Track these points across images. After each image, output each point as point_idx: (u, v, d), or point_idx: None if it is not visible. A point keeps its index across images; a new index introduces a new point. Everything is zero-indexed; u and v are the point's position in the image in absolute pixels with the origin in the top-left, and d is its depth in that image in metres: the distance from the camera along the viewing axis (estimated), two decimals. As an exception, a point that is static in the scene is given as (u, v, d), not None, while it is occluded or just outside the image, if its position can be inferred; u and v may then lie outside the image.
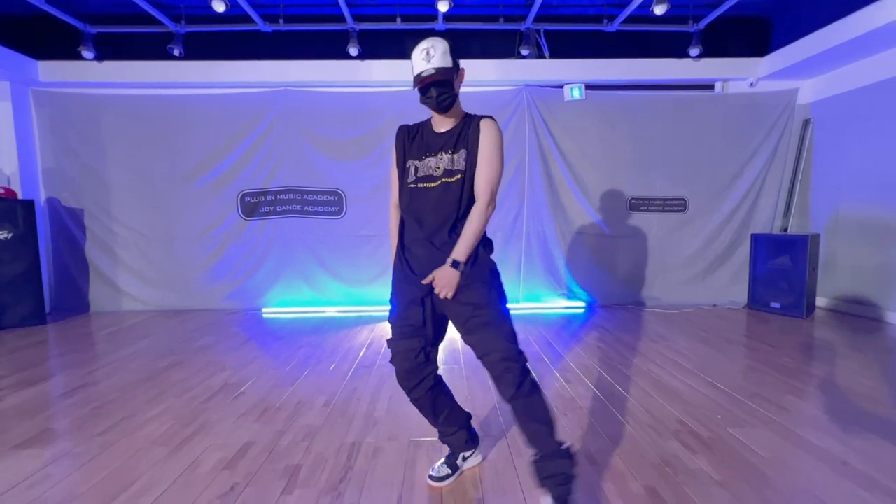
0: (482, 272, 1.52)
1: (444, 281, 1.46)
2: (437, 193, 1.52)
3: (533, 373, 1.51)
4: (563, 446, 1.47)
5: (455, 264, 1.46)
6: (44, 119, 4.59)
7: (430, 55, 1.44)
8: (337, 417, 2.24)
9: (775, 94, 4.70)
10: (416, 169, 1.57)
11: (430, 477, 1.68)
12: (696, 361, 3.03)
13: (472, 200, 1.52)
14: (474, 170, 1.51)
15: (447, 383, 1.70)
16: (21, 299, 4.10)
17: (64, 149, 4.61)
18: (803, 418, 2.16)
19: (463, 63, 1.63)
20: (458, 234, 1.50)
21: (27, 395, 2.54)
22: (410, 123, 1.66)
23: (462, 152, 1.51)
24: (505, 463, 1.82)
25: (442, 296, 1.48)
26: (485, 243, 1.57)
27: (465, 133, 1.52)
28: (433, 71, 1.43)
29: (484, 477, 1.73)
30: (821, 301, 4.55)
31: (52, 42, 4.39)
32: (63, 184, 4.65)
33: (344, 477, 1.72)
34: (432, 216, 1.53)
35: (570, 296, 4.82)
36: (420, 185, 1.55)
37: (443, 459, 1.74)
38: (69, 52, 4.32)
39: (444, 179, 1.52)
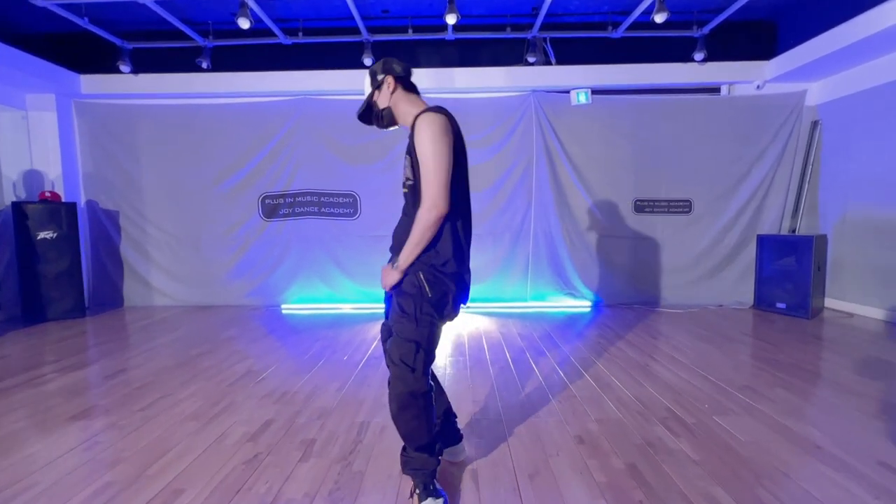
0: (409, 287, 1.47)
1: (383, 276, 1.54)
2: (406, 198, 1.54)
3: (425, 402, 1.48)
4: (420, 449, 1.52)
5: (394, 264, 1.49)
6: (84, 128, 4.98)
7: (366, 86, 1.62)
8: (349, 400, 2.45)
9: (783, 95, 4.74)
10: (404, 171, 1.57)
11: None
12: (692, 356, 3.13)
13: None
14: (419, 177, 1.43)
15: (450, 376, 1.87)
16: (64, 294, 4.46)
17: (102, 155, 4.99)
18: (787, 408, 2.27)
19: (472, 70, 1.75)
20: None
21: (75, 378, 2.83)
22: None
23: (408, 157, 1.48)
24: (499, 439, 1.99)
25: (383, 287, 1.58)
26: (435, 259, 1.45)
27: (411, 135, 1.46)
28: (360, 109, 1.62)
29: (479, 451, 1.90)
30: (829, 302, 4.56)
31: (93, 57, 4.77)
32: (101, 188, 5.02)
33: (353, 450, 1.92)
34: (402, 221, 1.56)
35: (577, 295, 4.94)
36: (402, 190, 1.58)
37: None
38: (108, 67, 4.68)
39: (405, 187, 1.53)
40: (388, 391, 1.50)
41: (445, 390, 1.85)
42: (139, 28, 4.56)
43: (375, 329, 4.07)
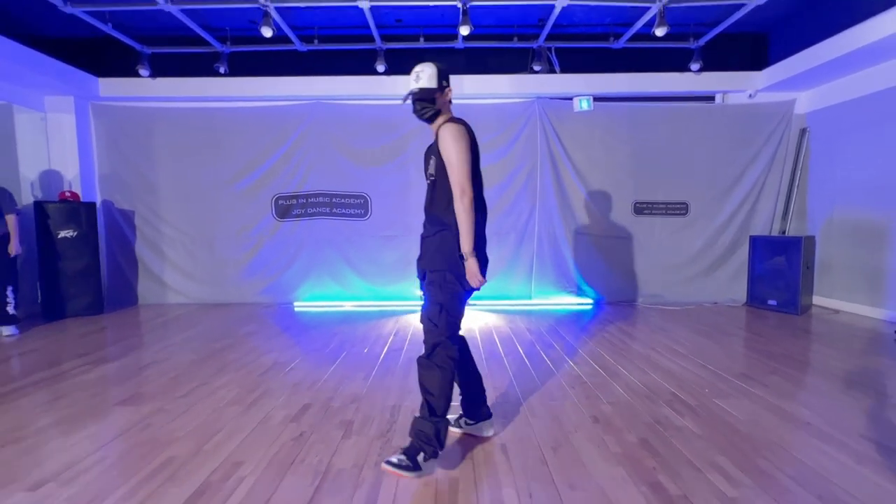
0: (437, 262, 1.80)
1: (467, 275, 1.77)
2: (429, 190, 1.88)
3: (448, 354, 1.74)
4: (436, 420, 1.72)
5: (466, 257, 1.77)
6: (101, 130, 5.10)
7: (418, 78, 1.81)
8: (377, 387, 2.62)
9: (773, 104, 5.01)
10: (426, 168, 1.95)
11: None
12: (691, 348, 3.35)
13: (442, 201, 1.80)
14: (441, 174, 1.78)
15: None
16: (83, 291, 4.58)
17: (119, 156, 5.11)
18: (780, 392, 2.49)
19: (479, 77, 2.02)
20: (434, 226, 1.82)
21: (111, 369, 2.97)
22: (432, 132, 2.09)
23: (434, 158, 1.82)
24: (522, 420, 2.18)
25: (476, 288, 1.83)
26: (453, 243, 1.77)
27: (437, 140, 1.80)
28: (417, 90, 1.81)
29: (505, 430, 2.09)
30: (817, 299, 4.82)
31: (112, 61, 4.90)
32: (117, 188, 5.15)
33: (390, 429, 2.10)
34: (426, 211, 1.90)
35: (579, 293, 5.16)
36: (427, 180, 1.93)
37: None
38: (127, 70, 4.82)
39: (429, 180, 1.87)
40: (416, 370, 1.82)
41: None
42: (159, 33, 4.71)
43: (389, 324, 4.24)
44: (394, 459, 1.67)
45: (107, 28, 4.27)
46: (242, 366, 3.03)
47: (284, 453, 1.88)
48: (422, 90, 1.84)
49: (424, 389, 1.76)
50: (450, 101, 1.94)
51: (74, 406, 2.37)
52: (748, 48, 5.01)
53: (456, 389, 1.91)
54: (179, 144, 5.10)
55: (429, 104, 1.85)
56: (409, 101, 1.91)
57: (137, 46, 4.67)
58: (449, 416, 1.96)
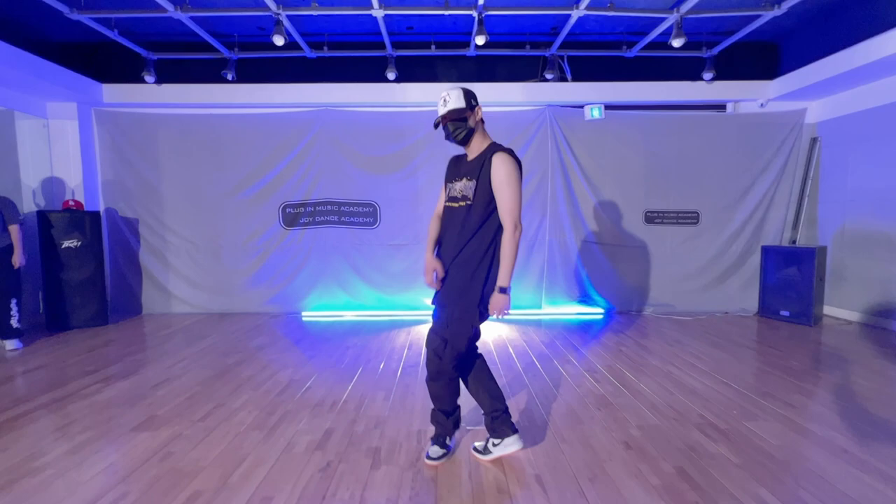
0: (455, 290, 1.84)
1: (494, 305, 1.81)
2: (458, 214, 1.84)
3: (451, 376, 1.91)
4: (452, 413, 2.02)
5: (502, 290, 1.78)
6: (105, 136, 5.00)
7: (445, 102, 1.84)
8: (399, 409, 2.57)
9: (784, 114, 5.00)
10: (450, 190, 1.92)
11: (428, 457, 2.00)
12: (710, 364, 3.33)
13: (475, 226, 1.80)
14: (480, 199, 1.77)
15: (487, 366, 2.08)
16: (87, 301, 4.49)
17: (122, 163, 5.02)
18: (809, 414, 2.46)
19: (490, 85, 2.08)
20: (464, 251, 1.81)
21: (122, 388, 2.90)
22: (442, 140, 2.13)
23: (473, 182, 1.79)
24: (552, 446, 2.14)
25: (494, 317, 1.86)
26: (483, 273, 1.81)
27: (482, 164, 1.78)
28: (446, 112, 1.82)
29: (536, 457, 2.05)
30: (829, 310, 4.82)
31: (117, 66, 4.80)
32: (120, 195, 5.05)
33: (419, 457, 2.05)
34: (451, 232, 1.86)
35: (590, 302, 5.13)
36: (448, 204, 1.91)
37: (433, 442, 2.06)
38: (131, 76, 4.72)
39: (461, 203, 1.83)
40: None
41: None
42: (165, 39, 4.62)
43: (402, 336, 4.18)
44: (478, 446, 2.05)
45: (112, 34, 4.18)
46: (258, 384, 2.96)
47: (314, 487, 1.82)
48: (451, 111, 1.82)
49: (433, 401, 2.00)
50: (482, 121, 1.91)
51: (89, 431, 2.30)
52: (759, 57, 4.99)
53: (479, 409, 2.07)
54: (185, 151, 5.01)
55: (461, 123, 1.84)
56: (441, 128, 1.90)
57: (143, 52, 4.58)
58: (477, 444, 2.09)
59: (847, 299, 4.67)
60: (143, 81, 4.69)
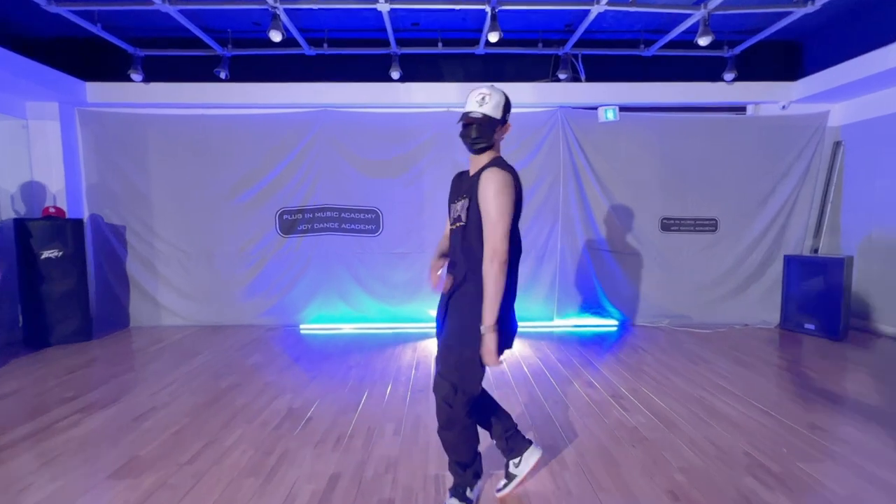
0: (458, 331, 1.63)
1: (487, 354, 1.58)
2: (456, 236, 1.68)
3: (465, 422, 1.68)
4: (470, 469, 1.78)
5: (486, 330, 1.56)
6: (89, 138, 4.69)
7: (484, 101, 1.59)
8: (411, 446, 2.31)
9: (806, 116, 4.78)
10: (451, 211, 1.74)
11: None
12: (742, 387, 3.09)
13: (474, 251, 1.59)
14: (473, 220, 1.58)
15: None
16: (69, 315, 4.19)
17: (108, 167, 4.71)
18: (867, 452, 2.22)
19: (500, 85, 1.74)
20: (465, 282, 1.62)
21: (102, 419, 2.62)
22: (448, 143, 1.90)
23: (466, 201, 1.62)
24: (590, 496, 1.88)
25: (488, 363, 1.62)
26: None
27: (475, 181, 1.59)
28: (480, 115, 1.57)
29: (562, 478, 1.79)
30: (853, 321, 4.60)
31: (101, 64, 4.50)
32: (106, 201, 4.75)
33: (438, 511, 1.79)
34: (454, 258, 1.71)
35: (603, 313, 4.89)
36: (451, 226, 1.73)
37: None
38: (117, 74, 4.42)
39: (458, 224, 1.66)
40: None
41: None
42: (153, 35, 4.33)
43: (408, 353, 3.92)
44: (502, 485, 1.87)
45: (95, 29, 3.88)
46: (254, 414, 2.69)
47: (320, 556, 1.56)
48: (484, 116, 1.58)
49: (448, 453, 1.77)
50: (503, 136, 1.70)
51: (60, 480, 2.01)
52: (781, 57, 4.77)
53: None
54: (175, 154, 4.71)
55: (487, 135, 1.60)
56: (461, 123, 1.65)
57: (129, 48, 4.28)
58: (499, 485, 1.92)
59: (873, 310, 4.45)
60: (129, 80, 4.39)
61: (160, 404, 2.84)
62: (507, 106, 1.64)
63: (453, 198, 1.74)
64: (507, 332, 1.63)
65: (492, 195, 1.51)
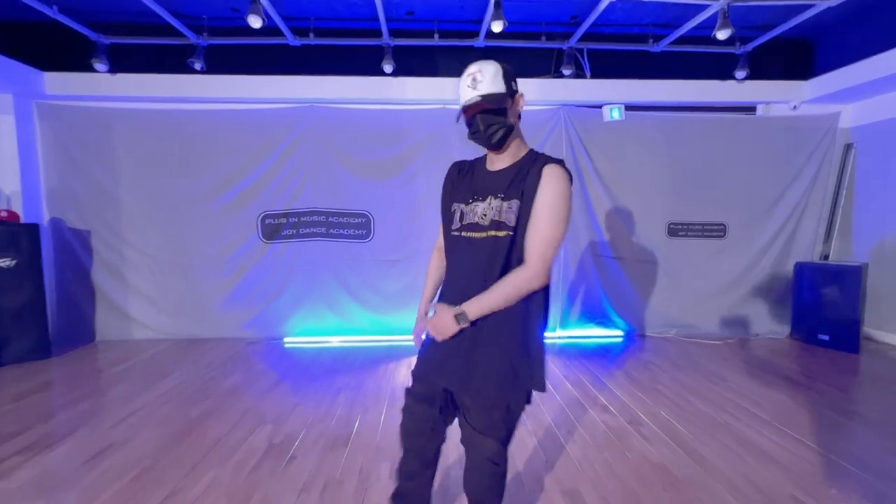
0: (516, 396, 1.33)
1: (438, 327, 1.29)
2: (481, 248, 1.28)
3: (505, 465, 1.42)
4: None
5: (459, 317, 1.25)
6: (48, 134, 4.25)
7: (476, 81, 1.24)
8: (411, 493, 1.99)
9: (816, 117, 4.59)
10: (462, 214, 1.34)
11: None
12: (770, 410, 2.84)
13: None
14: (524, 228, 1.25)
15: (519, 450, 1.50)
16: (24, 332, 3.76)
17: (70, 166, 4.28)
18: (924, 492, 1.99)
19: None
20: (505, 312, 1.28)
21: (48, 464, 2.24)
22: (444, 142, 1.55)
23: (515, 202, 1.25)
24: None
25: (431, 336, 1.34)
26: (530, 338, 1.31)
27: (523, 177, 1.25)
28: (478, 98, 1.23)
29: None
30: (866, 331, 4.42)
31: (62, 53, 4.08)
32: (69, 204, 4.31)
33: (448, 587, 1.48)
34: (470, 273, 1.30)
35: (608, 324, 4.63)
36: (464, 233, 1.32)
37: None
38: (79, 64, 4.01)
39: (491, 232, 1.27)
40: (462, 474, 1.45)
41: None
42: (120, 20, 3.93)
43: (402, 371, 3.59)
44: None
45: (51, 12, 3.47)
46: (229, 452, 2.34)
47: None
48: (485, 97, 1.22)
49: None
50: (519, 117, 1.35)
51: (-16, 551, 1.65)
52: (792, 55, 4.57)
53: None
54: (146, 153, 4.30)
55: (499, 118, 1.25)
56: (461, 122, 1.32)
57: (92, 35, 3.87)
58: None
59: (888, 321, 4.28)
60: (93, 70, 3.97)
61: (120, 440, 2.47)
62: (509, 72, 1.30)
63: (465, 196, 1.34)
64: (534, 373, 1.32)
65: (559, 198, 1.22)
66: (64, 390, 3.20)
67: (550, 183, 1.22)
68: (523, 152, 1.33)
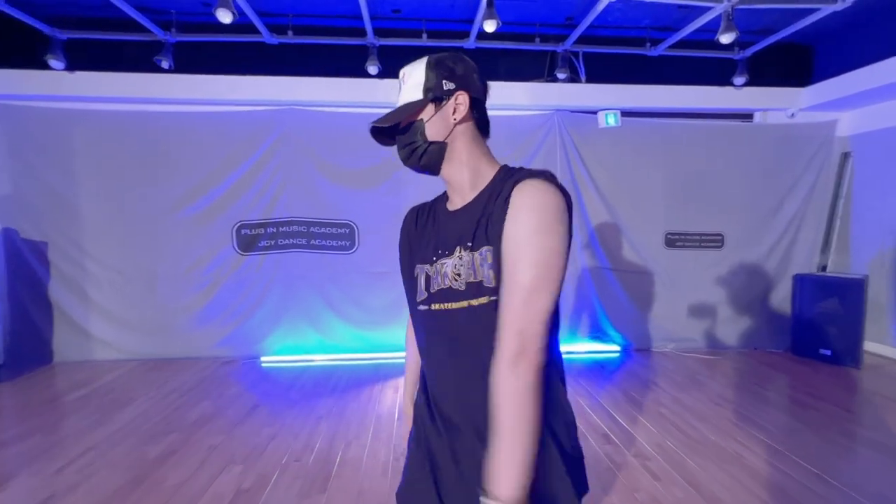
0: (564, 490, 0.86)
1: None
2: (462, 324, 0.87)
3: None
4: None
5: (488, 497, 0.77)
6: (1, 137, 3.89)
7: (400, 90, 0.92)
8: (397, 555, 1.74)
9: (813, 125, 4.49)
10: (428, 280, 0.92)
11: None
12: (780, 438, 2.67)
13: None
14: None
15: None
16: (-32, 356, 3.40)
17: (24, 172, 3.92)
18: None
19: (490, 85, 0.95)
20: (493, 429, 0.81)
21: (-27, 522, 1.93)
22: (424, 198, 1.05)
23: (486, 250, 0.83)
24: None
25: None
26: (555, 420, 0.87)
27: (491, 212, 0.84)
28: (388, 114, 0.89)
29: None
30: (866, 345, 4.31)
31: (12, 48, 3.73)
32: (22, 213, 3.95)
33: None
34: (454, 369, 0.89)
35: (604, 338, 4.44)
36: (435, 306, 0.90)
37: None
38: (33, 61, 3.67)
39: (468, 301, 0.86)
40: None
41: None
42: (77, 13, 3.60)
43: (389, 394, 3.33)
44: None
45: (1, 4, 3.13)
46: (189, 502, 2.06)
47: None
48: (389, 115, 0.90)
49: None
50: (468, 121, 0.90)
51: None
52: (790, 61, 4.46)
53: None
54: (109, 157, 3.97)
55: (414, 134, 0.90)
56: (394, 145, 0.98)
57: (46, 29, 3.53)
58: None
59: (888, 334, 4.18)
60: (49, 68, 3.64)
61: (63, 489, 2.16)
62: (444, 67, 0.89)
63: (426, 254, 0.94)
64: (579, 478, 0.90)
65: (538, 225, 0.78)
66: (9, 423, 2.87)
67: (523, 206, 0.80)
68: (490, 174, 0.90)
